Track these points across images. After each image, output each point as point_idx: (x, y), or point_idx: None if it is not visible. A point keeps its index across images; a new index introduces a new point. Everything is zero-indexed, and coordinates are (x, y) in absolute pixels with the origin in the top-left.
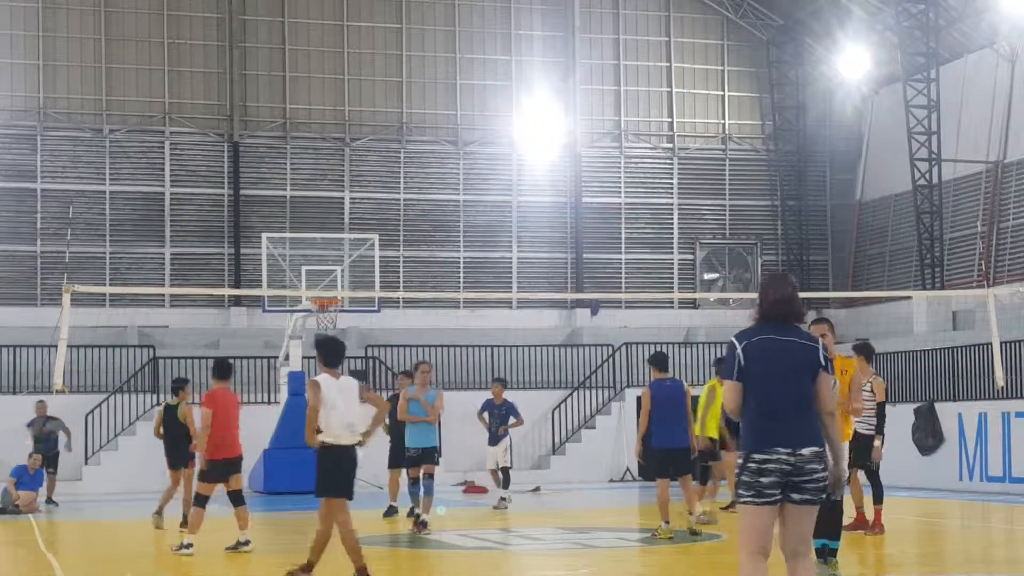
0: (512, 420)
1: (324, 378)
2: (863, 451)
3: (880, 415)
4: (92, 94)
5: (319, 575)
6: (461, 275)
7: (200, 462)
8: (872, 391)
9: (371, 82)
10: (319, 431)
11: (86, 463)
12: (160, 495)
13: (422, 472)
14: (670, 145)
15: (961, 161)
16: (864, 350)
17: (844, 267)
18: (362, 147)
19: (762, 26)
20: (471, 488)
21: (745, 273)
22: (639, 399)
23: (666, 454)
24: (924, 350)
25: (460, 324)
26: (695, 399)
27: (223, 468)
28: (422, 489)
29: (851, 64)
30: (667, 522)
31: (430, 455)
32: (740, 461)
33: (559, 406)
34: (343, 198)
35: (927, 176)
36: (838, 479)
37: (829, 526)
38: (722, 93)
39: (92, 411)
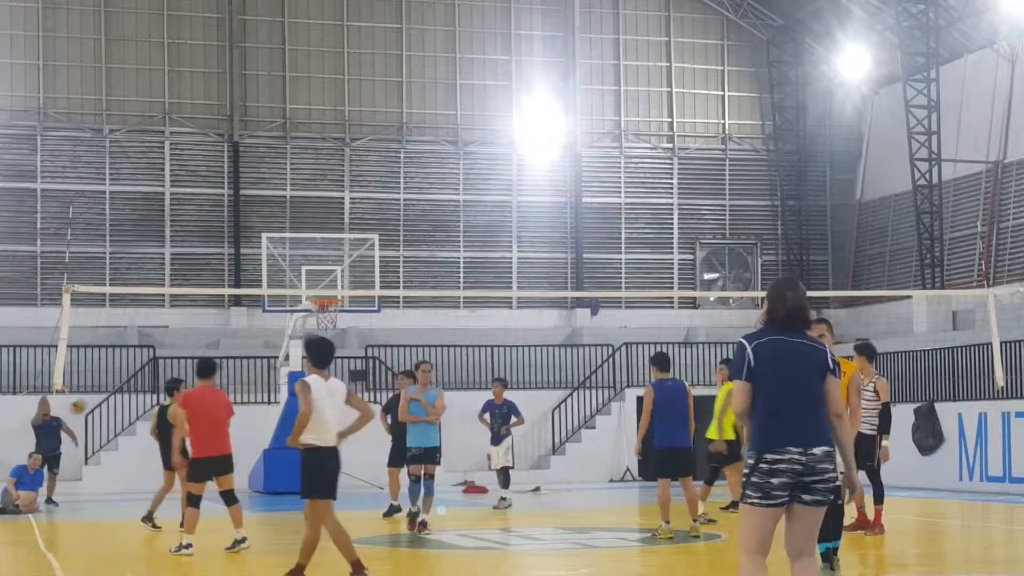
0: (514, 419)
1: (314, 379)
2: (865, 452)
3: (885, 415)
4: (92, 94)
5: None
6: (461, 275)
7: (175, 460)
8: (876, 391)
9: (371, 82)
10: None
11: (86, 463)
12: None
13: (423, 472)
14: (670, 145)
15: (961, 161)
16: (866, 350)
17: (844, 267)
18: (362, 147)
19: (762, 26)
20: (471, 488)
21: (745, 273)
22: (639, 399)
23: (668, 454)
24: (924, 350)
25: (460, 324)
26: (698, 399)
27: (208, 466)
28: (423, 489)
29: (851, 64)
30: (668, 522)
31: (432, 455)
32: (751, 462)
33: (559, 406)
34: (343, 198)
35: (927, 176)
36: (853, 485)
37: (831, 526)
38: (722, 93)
39: (92, 411)
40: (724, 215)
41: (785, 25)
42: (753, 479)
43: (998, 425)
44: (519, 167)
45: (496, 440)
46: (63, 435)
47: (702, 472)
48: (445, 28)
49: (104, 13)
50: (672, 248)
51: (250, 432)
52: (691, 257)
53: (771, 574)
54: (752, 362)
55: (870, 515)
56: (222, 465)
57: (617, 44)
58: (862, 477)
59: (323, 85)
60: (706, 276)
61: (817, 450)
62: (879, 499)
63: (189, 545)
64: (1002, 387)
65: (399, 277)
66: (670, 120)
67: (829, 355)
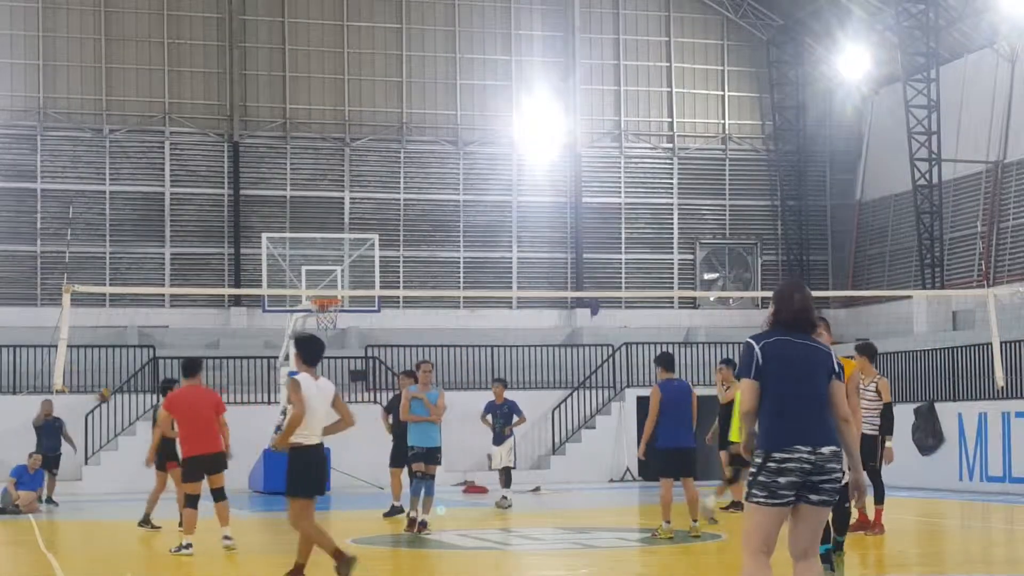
0: (516, 419)
1: (304, 377)
2: (867, 452)
3: (887, 416)
4: (92, 94)
5: None
6: (461, 275)
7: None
8: (877, 391)
9: (371, 82)
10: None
11: (86, 463)
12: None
13: (423, 472)
14: (670, 145)
15: (961, 161)
16: (867, 350)
17: (844, 267)
18: (362, 147)
19: (762, 26)
20: (471, 488)
21: (745, 273)
22: (640, 399)
23: (671, 454)
24: (924, 350)
25: (460, 324)
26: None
27: (200, 465)
28: (423, 489)
29: (851, 64)
30: (668, 522)
31: (433, 455)
32: (758, 461)
33: (559, 406)
34: (343, 198)
35: (927, 176)
36: (861, 488)
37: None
38: (722, 93)
39: (92, 411)
40: (724, 215)
41: (785, 25)
42: (760, 478)
43: (998, 425)
44: (519, 167)
45: (498, 440)
46: (63, 439)
47: (703, 472)
48: (445, 28)
49: (104, 13)
50: (672, 248)
51: (249, 432)
52: (691, 257)
53: (773, 574)
54: (760, 361)
55: (870, 515)
56: (214, 463)
57: (617, 44)
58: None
59: (323, 85)
60: (706, 276)
61: (825, 449)
62: (880, 499)
63: (189, 545)
64: (1002, 387)
65: (399, 277)
66: (670, 120)
67: (834, 358)
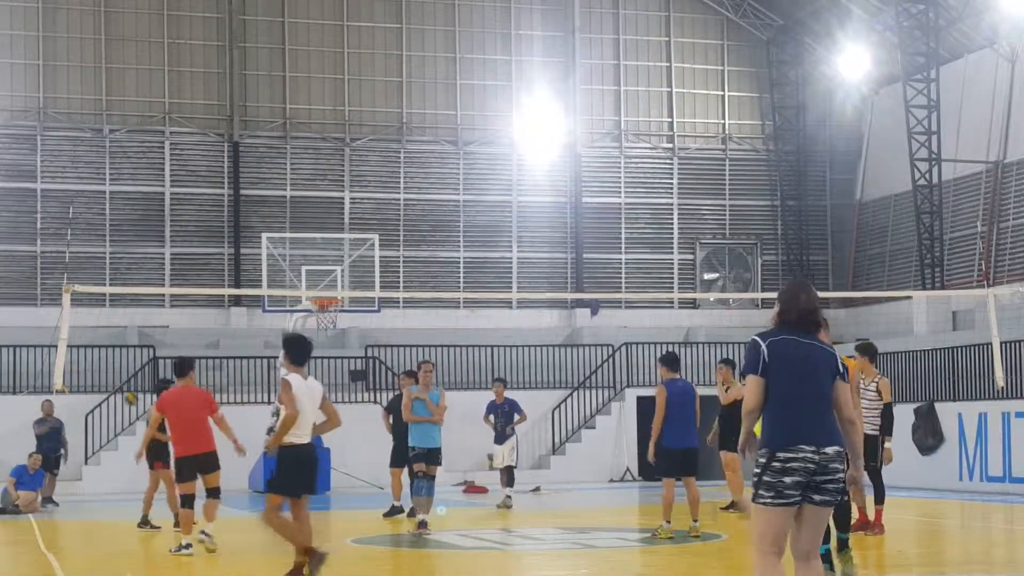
0: (517, 417)
1: (294, 378)
2: (867, 451)
3: (887, 416)
4: (92, 94)
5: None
6: (461, 275)
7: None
8: (878, 391)
9: (371, 82)
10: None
11: (86, 463)
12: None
13: (424, 472)
14: (670, 145)
15: (961, 161)
16: (868, 350)
17: (844, 267)
18: (362, 147)
19: (762, 26)
20: (471, 488)
21: (745, 273)
22: (640, 399)
23: (676, 454)
24: (924, 350)
25: (460, 324)
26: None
27: (192, 465)
28: (423, 489)
29: (851, 64)
30: (669, 522)
31: (435, 455)
32: (763, 460)
33: (559, 406)
34: (343, 198)
35: (927, 176)
36: (857, 481)
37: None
38: (722, 93)
39: (92, 411)
40: (724, 215)
41: (785, 25)
42: (765, 478)
43: (998, 425)
44: (519, 167)
45: (500, 439)
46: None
47: (703, 472)
48: (445, 28)
49: (104, 13)
50: (672, 248)
51: (250, 432)
52: (691, 257)
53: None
54: (766, 358)
55: (870, 515)
56: (207, 462)
57: (617, 44)
58: (864, 477)
59: (323, 85)
60: (706, 276)
61: (829, 449)
62: (880, 499)
63: (189, 545)
64: (1002, 387)
65: (399, 277)
66: (670, 120)
67: (840, 361)
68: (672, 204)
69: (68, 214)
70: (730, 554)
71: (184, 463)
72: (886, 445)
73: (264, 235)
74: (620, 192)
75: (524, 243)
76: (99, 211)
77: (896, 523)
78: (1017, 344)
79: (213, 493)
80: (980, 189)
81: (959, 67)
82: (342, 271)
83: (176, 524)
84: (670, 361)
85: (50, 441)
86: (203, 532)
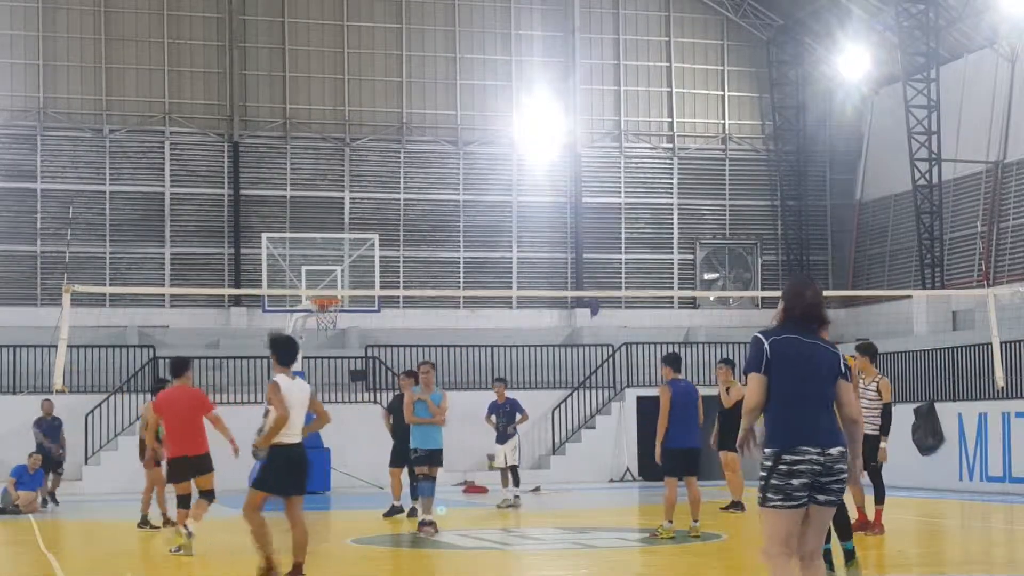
0: (519, 416)
1: (283, 379)
2: (868, 452)
3: (886, 416)
4: (92, 94)
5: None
6: (461, 275)
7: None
8: (878, 391)
9: (371, 82)
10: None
11: (86, 463)
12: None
13: (426, 474)
14: (670, 145)
15: (961, 161)
16: (868, 350)
17: (844, 267)
18: (362, 147)
19: (762, 26)
20: (471, 488)
21: (745, 273)
22: (640, 399)
23: (679, 454)
24: (924, 350)
25: (460, 324)
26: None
27: (184, 466)
28: (425, 489)
29: (851, 64)
30: (670, 522)
31: (436, 457)
32: (768, 463)
33: (559, 406)
34: (343, 198)
35: (927, 176)
36: (855, 477)
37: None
38: (722, 93)
39: (92, 411)
40: (724, 215)
41: (785, 25)
42: (772, 481)
43: (998, 425)
44: (519, 167)
45: (502, 439)
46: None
47: (704, 473)
48: (445, 28)
49: (104, 13)
50: (672, 248)
51: (249, 432)
52: (691, 257)
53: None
54: (769, 356)
55: (870, 515)
56: (200, 464)
57: (617, 44)
58: (864, 477)
59: (323, 85)
60: (706, 276)
61: (834, 450)
62: (880, 499)
63: (190, 533)
64: (1002, 387)
65: (399, 277)
66: (670, 120)
67: (842, 361)
68: (672, 204)
69: (68, 214)
70: (730, 554)
71: (177, 464)
72: (882, 445)
73: (264, 235)
74: (620, 192)
75: (524, 243)
76: (99, 211)
77: (896, 523)
78: (1017, 344)
79: (206, 496)
80: (980, 189)
81: (959, 67)
82: (342, 271)
83: (166, 523)
84: (673, 361)
85: (50, 439)
86: (186, 527)
